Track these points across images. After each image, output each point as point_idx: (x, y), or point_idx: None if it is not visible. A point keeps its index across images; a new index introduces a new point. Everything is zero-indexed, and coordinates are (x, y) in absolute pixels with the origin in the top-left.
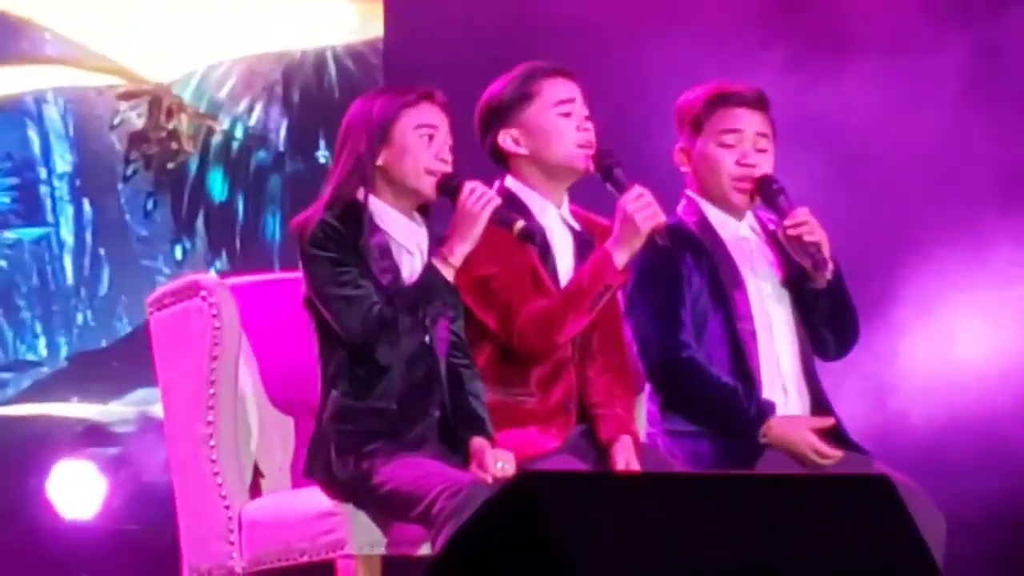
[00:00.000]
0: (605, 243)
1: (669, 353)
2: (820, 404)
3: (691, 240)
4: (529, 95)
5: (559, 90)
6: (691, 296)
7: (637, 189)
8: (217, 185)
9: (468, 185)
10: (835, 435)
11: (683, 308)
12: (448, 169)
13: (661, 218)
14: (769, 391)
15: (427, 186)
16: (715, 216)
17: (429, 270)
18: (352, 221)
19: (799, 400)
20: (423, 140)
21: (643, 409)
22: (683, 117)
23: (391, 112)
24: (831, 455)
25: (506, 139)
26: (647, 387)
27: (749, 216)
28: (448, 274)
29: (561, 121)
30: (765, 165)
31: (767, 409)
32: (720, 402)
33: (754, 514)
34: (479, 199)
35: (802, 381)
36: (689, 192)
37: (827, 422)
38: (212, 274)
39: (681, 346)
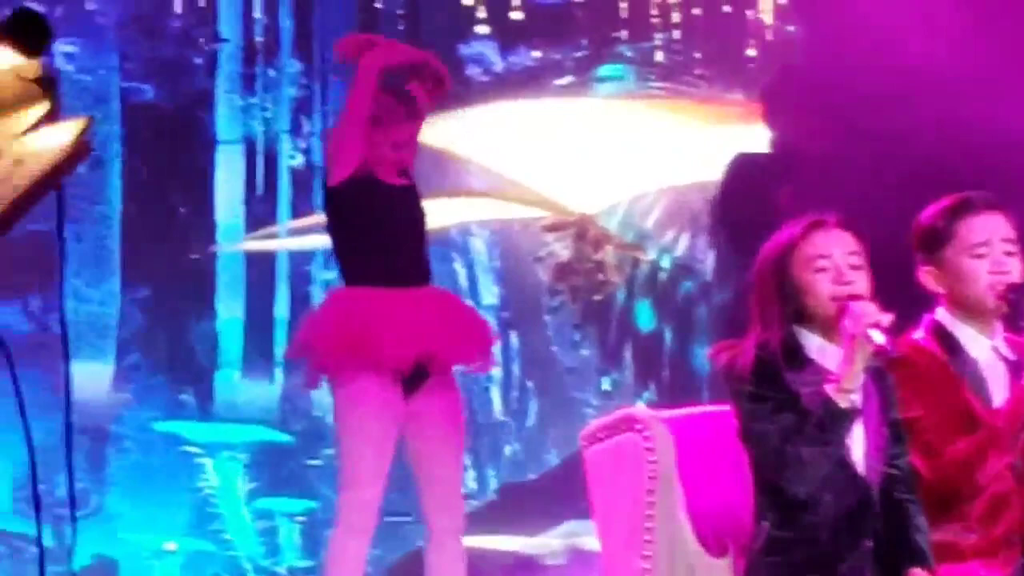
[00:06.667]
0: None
1: None
2: None
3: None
4: (947, 236)
5: (976, 232)
6: None
7: None
8: (644, 315)
9: (852, 307)
10: None
11: None
12: (848, 291)
13: None
14: None
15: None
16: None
17: (826, 401)
18: (787, 355)
19: None
20: (820, 273)
21: None
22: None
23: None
24: None
25: (927, 277)
26: None
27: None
28: (842, 401)
29: (973, 263)
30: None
31: None
32: None
33: None
34: (857, 321)
35: None
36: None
37: None
38: (642, 406)
39: None
